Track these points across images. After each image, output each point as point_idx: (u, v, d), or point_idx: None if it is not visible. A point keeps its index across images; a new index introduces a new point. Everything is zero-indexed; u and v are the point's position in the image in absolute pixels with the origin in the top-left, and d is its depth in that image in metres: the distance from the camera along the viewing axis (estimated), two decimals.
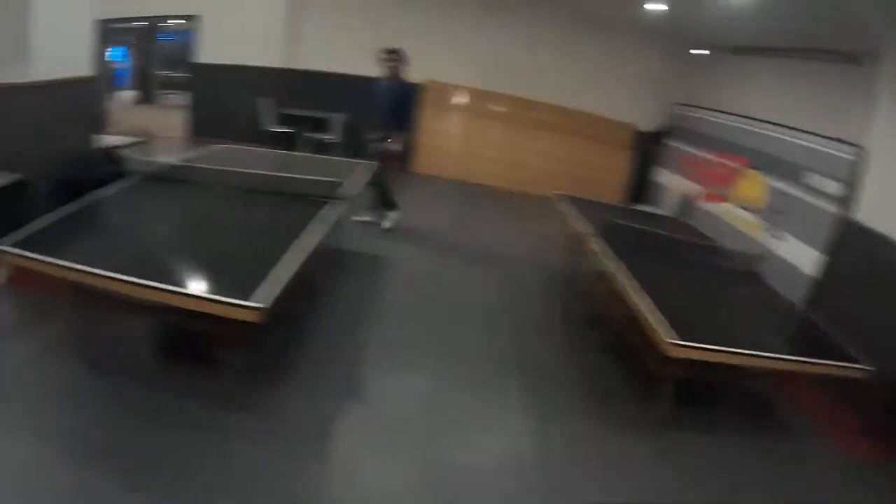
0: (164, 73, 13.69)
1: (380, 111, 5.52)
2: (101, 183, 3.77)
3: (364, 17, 8.46)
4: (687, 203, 7.37)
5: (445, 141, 8.72)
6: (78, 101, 4.47)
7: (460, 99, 8.69)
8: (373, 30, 7.98)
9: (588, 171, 8.54)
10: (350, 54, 7.90)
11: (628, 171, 8.74)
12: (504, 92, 8.62)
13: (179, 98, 12.75)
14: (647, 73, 8.55)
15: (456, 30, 8.48)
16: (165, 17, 11.32)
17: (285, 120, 8.48)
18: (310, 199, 3.94)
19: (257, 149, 6.19)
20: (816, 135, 5.21)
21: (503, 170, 8.71)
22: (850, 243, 4.31)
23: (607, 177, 8.62)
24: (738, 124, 6.80)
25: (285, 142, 8.33)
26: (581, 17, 8.11)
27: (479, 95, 8.64)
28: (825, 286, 4.45)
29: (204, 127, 8.86)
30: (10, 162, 3.80)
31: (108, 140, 5.22)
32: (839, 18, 4.41)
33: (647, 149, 8.65)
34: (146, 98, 13.07)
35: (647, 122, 8.69)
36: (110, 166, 4.35)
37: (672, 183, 8.01)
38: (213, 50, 8.77)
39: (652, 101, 8.64)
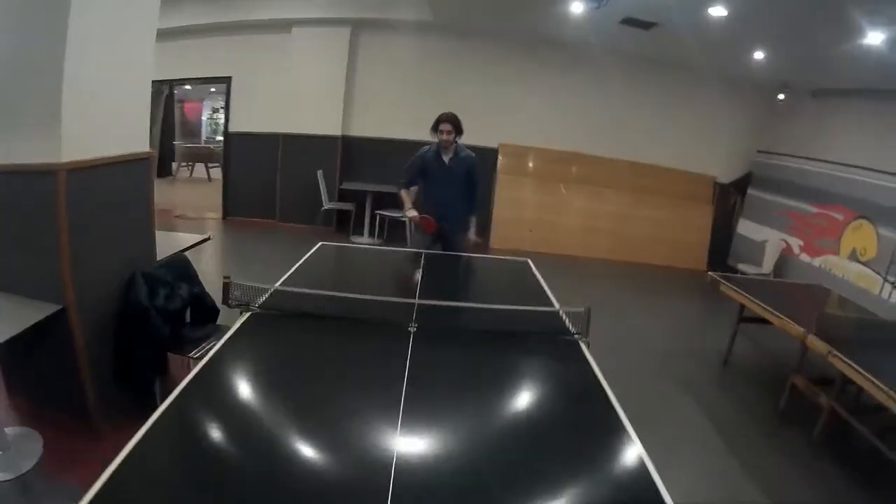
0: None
1: (442, 193, 4.20)
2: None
3: (427, 81, 7.87)
4: (786, 258, 6.98)
5: (521, 210, 8.02)
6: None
7: (533, 162, 8.12)
8: (438, 95, 7.38)
9: (669, 231, 8.01)
10: (407, 120, 6.94)
11: (710, 226, 8.15)
12: (576, 150, 8.08)
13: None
14: (723, 119, 8.05)
15: (521, 88, 7.97)
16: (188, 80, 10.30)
17: (345, 195, 7.72)
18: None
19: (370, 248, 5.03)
20: None
21: (584, 237, 8.03)
22: None
23: (689, 235, 8.08)
24: (838, 172, 6.45)
25: (344, 221, 7.72)
26: (655, 67, 7.73)
27: (551, 157, 8.08)
28: None
29: (239, 205, 8.29)
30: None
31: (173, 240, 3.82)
32: None
33: (730, 201, 8.18)
34: (160, 171, 11.92)
35: (725, 172, 8.21)
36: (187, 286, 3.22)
37: (763, 237, 7.47)
38: (247, 116, 8.11)
39: (729, 150, 8.17)
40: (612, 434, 1.75)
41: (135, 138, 3.23)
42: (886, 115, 6.07)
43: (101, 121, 2.91)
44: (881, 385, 2.78)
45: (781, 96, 7.65)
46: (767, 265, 7.14)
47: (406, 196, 4.14)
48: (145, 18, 3.16)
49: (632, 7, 5.46)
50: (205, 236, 4.29)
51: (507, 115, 7.98)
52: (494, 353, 2.37)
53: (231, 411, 1.87)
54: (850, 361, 3.05)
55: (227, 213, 8.38)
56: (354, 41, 7.78)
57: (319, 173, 7.64)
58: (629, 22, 5.90)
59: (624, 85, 7.96)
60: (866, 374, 2.91)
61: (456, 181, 4.20)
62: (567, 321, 2.60)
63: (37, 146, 2.69)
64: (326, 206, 7.61)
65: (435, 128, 4.12)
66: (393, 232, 7.54)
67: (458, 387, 2.09)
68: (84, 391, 2.98)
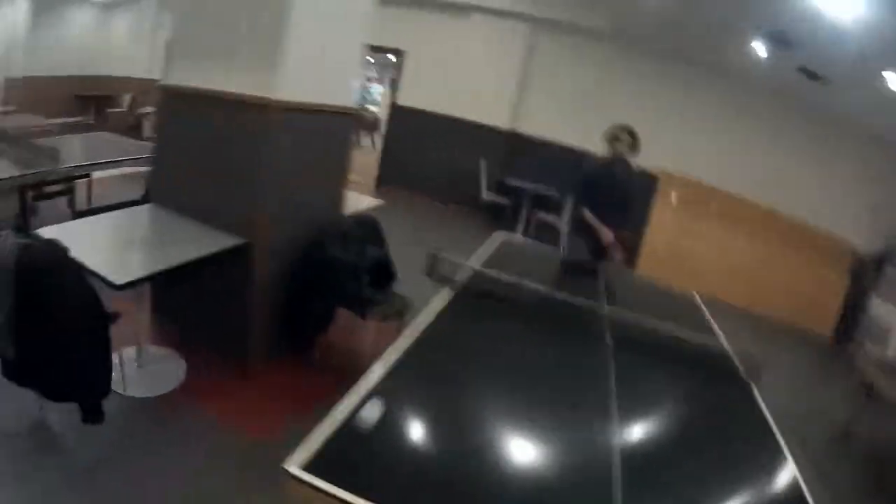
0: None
1: (603, 203, 4.11)
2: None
3: (599, 92, 7.72)
4: None
5: (665, 237, 7.91)
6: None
7: (678, 192, 7.93)
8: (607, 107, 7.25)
9: (799, 287, 7.64)
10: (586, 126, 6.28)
11: (842, 294, 7.66)
12: (719, 188, 7.81)
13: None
14: (878, 188, 7.50)
15: (682, 115, 7.75)
16: None
17: (504, 189, 7.75)
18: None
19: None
20: None
21: (713, 276, 7.67)
22: None
23: (819, 297, 7.63)
24: None
25: (498, 215, 7.65)
26: (813, 118, 7.28)
27: (696, 190, 7.87)
28: None
29: (393, 175, 8.51)
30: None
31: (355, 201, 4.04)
32: None
33: (865, 274, 7.57)
34: None
35: (865, 243, 7.63)
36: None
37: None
38: (415, 92, 8.38)
39: (875, 222, 7.56)
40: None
41: (344, 92, 3.27)
42: None
43: (317, 67, 2.99)
44: None
45: None
46: (894, 350, 6.74)
47: (593, 217, 4.08)
48: None
49: (811, 58, 5.37)
50: (380, 201, 4.52)
51: (667, 139, 7.64)
52: (678, 377, 2.38)
53: (444, 393, 1.85)
54: None
55: (380, 182, 8.68)
56: (534, 39, 7.84)
57: (482, 163, 7.69)
58: (803, 71, 5.77)
59: (777, 129, 7.66)
60: None
61: (618, 196, 4.18)
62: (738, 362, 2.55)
63: (254, 79, 2.77)
64: (485, 196, 7.62)
65: (612, 140, 4.08)
66: (542, 236, 7.35)
67: (664, 406, 2.15)
68: (247, 329, 3.06)
